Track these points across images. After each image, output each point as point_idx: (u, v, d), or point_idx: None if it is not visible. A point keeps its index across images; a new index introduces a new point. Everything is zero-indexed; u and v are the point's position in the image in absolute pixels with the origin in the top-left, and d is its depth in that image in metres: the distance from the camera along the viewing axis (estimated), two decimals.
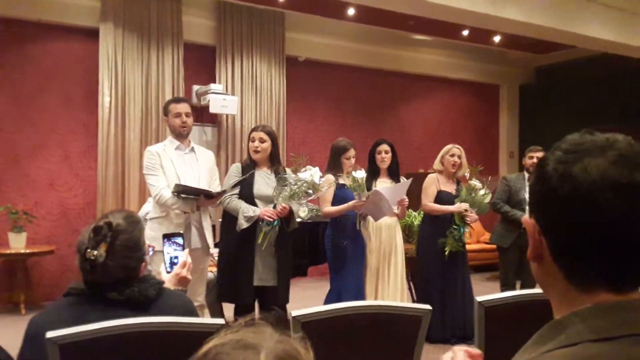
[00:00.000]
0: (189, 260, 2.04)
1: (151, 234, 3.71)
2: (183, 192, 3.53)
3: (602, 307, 0.77)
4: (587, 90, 8.69)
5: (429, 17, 5.70)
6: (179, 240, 2.08)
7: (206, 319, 2.01)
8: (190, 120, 3.78)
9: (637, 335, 0.74)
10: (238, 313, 4.03)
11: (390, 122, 8.72)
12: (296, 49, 7.73)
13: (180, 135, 3.76)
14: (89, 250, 1.59)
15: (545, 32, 5.91)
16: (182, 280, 1.99)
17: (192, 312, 1.73)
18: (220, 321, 1.61)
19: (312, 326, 1.64)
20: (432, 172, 4.95)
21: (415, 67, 8.80)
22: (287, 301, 4.00)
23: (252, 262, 3.79)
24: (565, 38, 6.19)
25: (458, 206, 4.59)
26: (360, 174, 4.20)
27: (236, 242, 3.82)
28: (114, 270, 1.60)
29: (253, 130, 4.01)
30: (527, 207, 4.94)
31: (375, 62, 8.39)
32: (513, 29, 6.05)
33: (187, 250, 2.08)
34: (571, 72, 9.03)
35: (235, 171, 3.94)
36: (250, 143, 3.94)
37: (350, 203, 4.21)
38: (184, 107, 3.77)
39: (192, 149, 3.83)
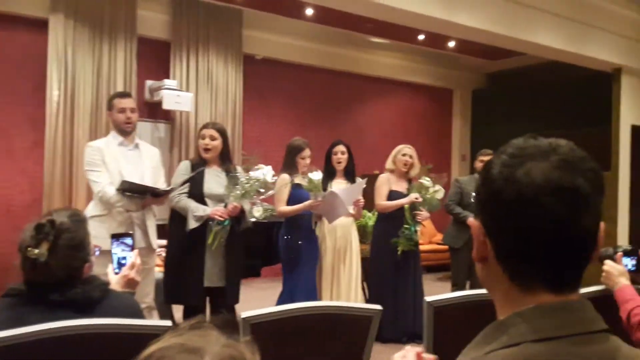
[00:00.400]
0: (138, 261, 1.99)
1: (92, 233, 3.61)
2: (129, 189, 3.42)
3: (543, 307, 0.78)
4: (536, 97, 8.95)
5: (386, 21, 5.74)
6: (128, 240, 2.03)
7: (151, 320, 1.97)
8: (135, 116, 3.66)
9: (577, 335, 0.76)
10: (187, 315, 3.97)
11: (346, 123, 8.76)
12: (254, 47, 7.67)
13: (124, 131, 3.64)
14: (30, 248, 1.53)
15: (497, 39, 6.04)
16: (130, 282, 1.95)
17: (138, 314, 1.68)
18: (167, 323, 1.58)
19: (262, 327, 1.63)
20: (385, 173, 5.01)
21: (372, 70, 8.88)
22: (236, 301, 3.95)
23: (202, 262, 3.72)
24: (516, 45, 6.34)
25: (409, 197, 4.65)
26: (317, 176, 4.19)
27: (185, 242, 3.75)
28: (56, 270, 1.55)
29: (203, 127, 3.93)
30: None
31: (333, 63, 8.41)
32: (466, 35, 6.16)
33: (136, 251, 2.03)
34: (522, 78, 9.29)
35: (184, 169, 3.85)
36: (200, 140, 3.86)
37: (307, 203, 4.20)
38: (128, 103, 3.64)
39: (137, 146, 3.72)
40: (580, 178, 0.77)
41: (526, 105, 9.08)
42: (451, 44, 8.17)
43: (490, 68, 9.82)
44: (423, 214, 4.67)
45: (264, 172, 3.83)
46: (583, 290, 2.11)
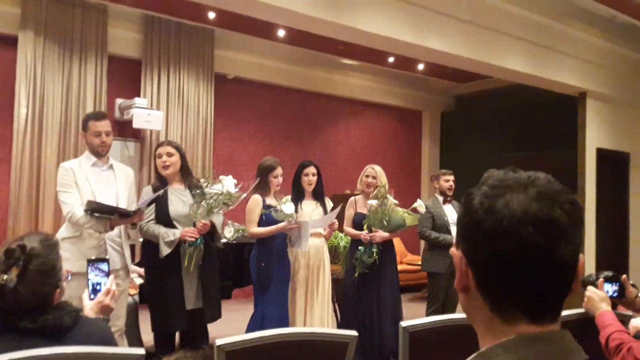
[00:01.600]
0: (114, 287, 1.96)
1: (64, 255, 3.53)
2: (95, 209, 3.36)
3: (524, 338, 0.79)
4: (504, 119, 9.13)
5: (356, 44, 5.82)
6: (103, 266, 2.00)
7: (124, 348, 1.93)
8: (109, 139, 3.62)
9: None
10: (158, 338, 3.89)
11: (317, 143, 8.80)
12: (225, 67, 7.67)
13: (98, 154, 3.61)
14: None
15: (465, 63, 6.15)
16: (105, 309, 1.92)
17: (110, 342, 1.65)
18: (140, 351, 1.55)
19: (237, 355, 1.61)
20: (356, 194, 5.05)
21: (343, 90, 8.95)
22: (218, 316, 3.89)
23: (181, 286, 3.67)
24: (483, 69, 6.48)
25: (359, 233, 4.67)
26: (289, 209, 4.15)
27: (161, 269, 3.68)
28: (25, 297, 1.51)
29: (158, 146, 3.90)
30: (452, 229, 5.09)
31: (305, 83, 8.46)
32: (435, 59, 6.27)
33: (112, 277, 2.00)
34: (489, 101, 9.47)
35: (147, 194, 3.76)
36: (158, 160, 3.80)
37: (280, 225, 4.16)
38: (104, 126, 3.58)
39: (111, 166, 3.66)
40: (558, 210, 0.79)
41: (494, 127, 9.26)
42: (420, 66, 8.29)
43: (458, 90, 10.00)
44: (373, 236, 4.62)
45: (226, 183, 3.77)
46: (566, 313, 2.19)
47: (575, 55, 6.86)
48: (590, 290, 2.20)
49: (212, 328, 4.03)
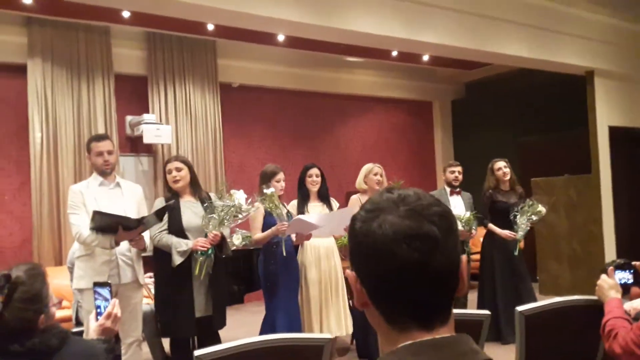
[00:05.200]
0: (116, 310, 2.06)
1: (79, 273, 3.71)
2: (99, 225, 3.48)
3: (414, 346, 0.86)
4: (514, 103, 9.07)
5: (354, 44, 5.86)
6: (104, 291, 2.10)
7: None
8: (113, 158, 3.78)
9: None
10: (175, 345, 4.02)
11: (327, 143, 8.87)
12: (229, 75, 7.80)
13: (104, 173, 3.76)
14: None
15: (463, 52, 6.11)
16: (106, 331, 2.04)
17: (97, 358, 1.77)
18: None
19: None
20: (355, 193, 5.07)
21: (350, 88, 9.00)
22: (223, 325, 4.02)
23: (192, 294, 3.81)
24: (484, 57, 6.45)
25: None
26: (270, 189, 4.22)
27: (172, 277, 3.82)
28: (9, 322, 1.64)
29: (167, 162, 4.06)
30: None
31: (310, 84, 8.53)
32: (433, 51, 6.28)
33: (113, 300, 2.09)
34: (499, 85, 9.40)
35: (159, 206, 3.91)
36: (168, 175, 3.96)
37: (273, 228, 4.23)
38: (105, 145, 3.75)
39: (118, 184, 3.82)
40: (427, 224, 0.86)
41: (505, 112, 9.20)
42: (425, 57, 8.27)
43: (467, 78, 9.94)
44: None
45: (237, 196, 3.90)
46: (576, 297, 2.31)
47: (579, 34, 6.76)
48: (601, 279, 2.25)
49: (227, 333, 4.14)
